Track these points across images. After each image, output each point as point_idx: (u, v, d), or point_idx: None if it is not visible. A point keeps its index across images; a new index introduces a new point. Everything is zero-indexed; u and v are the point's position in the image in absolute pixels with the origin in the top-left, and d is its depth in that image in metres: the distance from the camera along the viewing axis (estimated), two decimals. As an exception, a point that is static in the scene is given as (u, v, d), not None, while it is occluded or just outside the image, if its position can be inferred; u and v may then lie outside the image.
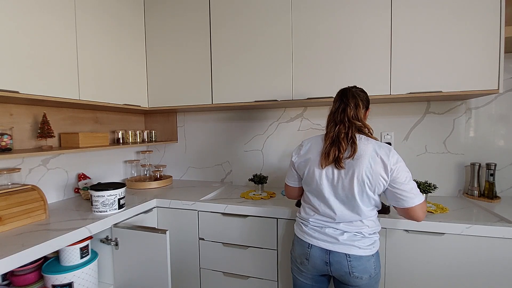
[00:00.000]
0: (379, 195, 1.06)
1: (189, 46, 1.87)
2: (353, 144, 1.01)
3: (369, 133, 1.07)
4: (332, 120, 1.09)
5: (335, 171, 1.04)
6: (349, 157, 1.01)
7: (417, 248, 1.27)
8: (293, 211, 1.42)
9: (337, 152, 1.02)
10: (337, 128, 1.05)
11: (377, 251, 1.09)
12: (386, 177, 1.00)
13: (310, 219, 1.13)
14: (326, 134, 1.09)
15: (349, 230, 1.06)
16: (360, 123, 1.06)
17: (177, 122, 2.31)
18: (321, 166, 1.06)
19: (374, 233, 1.08)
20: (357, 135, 1.04)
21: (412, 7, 1.42)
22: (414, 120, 1.74)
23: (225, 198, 1.71)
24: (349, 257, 1.03)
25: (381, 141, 1.75)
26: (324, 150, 1.06)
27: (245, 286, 1.55)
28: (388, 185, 1.02)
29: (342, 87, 1.16)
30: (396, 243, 1.29)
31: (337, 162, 1.02)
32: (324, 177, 1.06)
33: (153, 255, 1.32)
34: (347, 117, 1.05)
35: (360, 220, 1.06)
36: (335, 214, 1.06)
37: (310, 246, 1.10)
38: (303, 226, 1.15)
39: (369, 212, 1.05)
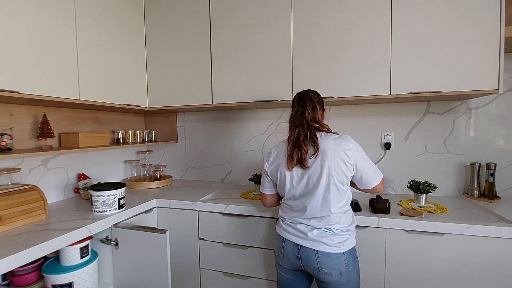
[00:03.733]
0: (348, 184, 1.11)
1: (189, 46, 1.87)
2: (314, 143, 1.08)
3: (327, 131, 1.14)
4: (292, 124, 1.17)
5: (303, 171, 1.10)
6: (313, 155, 1.07)
7: (417, 248, 1.27)
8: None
9: (299, 154, 1.09)
10: (296, 131, 1.12)
11: (351, 250, 1.10)
12: (349, 165, 1.07)
13: (285, 216, 1.19)
14: (288, 138, 1.16)
15: (319, 227, 1.09)
16: (318, 124, 1.13)
17: (177, 122, 2.31)
18: (288, 168, 1.12)
19: (347, 230, 1.10)
20: (317, 133, 1.11)
21: (412, 7, 1.42)
22: (414, 120, 1.74)
23: (225, 198, 1.71)
24: (317, 253, 1.07)
25: (380, 141, 1.78)
26: (288, 153, 1.13)
27: (245, 286, 1.55)
28: (355, 169, 1.08)
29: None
30: (396, 243, 1.29)
31: (301, 163, 1.09)
32: (295, 177, 1.12)
33: (153, 255, 1.32)
34: (305, 120, 1.12)
35: (330, 215, 1.09)
36: (306, 210, 1.11)
37: (284, 240, 1.16)
38: (280, 222, 1.23)
39: (340, 207, 1.09)
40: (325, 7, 1.56)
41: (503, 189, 1.63)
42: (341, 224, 1.09)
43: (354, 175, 1.10)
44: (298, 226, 1.13)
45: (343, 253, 1.07)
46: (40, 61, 1.28)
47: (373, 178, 1.11)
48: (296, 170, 1.12)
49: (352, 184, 1.15)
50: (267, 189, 1.28)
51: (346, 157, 1.05)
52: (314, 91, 1.22)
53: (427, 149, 1.73)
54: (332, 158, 1.05)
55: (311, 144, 1.08)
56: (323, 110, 1.21)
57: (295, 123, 1.15)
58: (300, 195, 1.13)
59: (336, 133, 1.13)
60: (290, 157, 1.11)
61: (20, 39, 1.20)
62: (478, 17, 1.34)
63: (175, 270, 1.65)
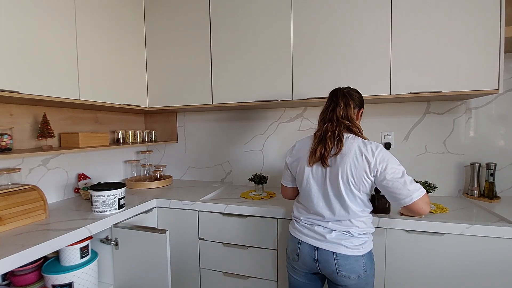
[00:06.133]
0: (368, 194, 1.07)
1: (189, 46, 1.87)
2: (339, 142, 1.04)
3: (359, 133, 1.08)
4: (321, 119, 1.13)
5: (322, 169, 1.07)
6: (334, 155, 1.03)
7: (417, 248, 1.27)
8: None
9: (323, 150, 1.05)
10: (324, 127, 1.08)
11: (369, 252, 1.08)
12: (370, 176, 1.00)
13: (301, 217, 1.16)
14: (315, 133, 1.12)
15: (337, 229, 1.07)
16: (349, 122, 1.07)
17: (177, 122, 2.31)
18: (309, 163, 1.09)
19: (364, 233, 1.08)
20: (345, 134, 1.06)
21: (412, 7, 1.42)
22: (414, 120, 1.74)
23: (225, 198, 1.71)
24: (336, 255, 1.04)
25: (380, 141, 1.78)
26: (312, 147, 1.09)
27: (245, 286, 1.55)
28: (379, 184, 1.02)
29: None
30: (396, 243, 1.29)
31: (323, 160, 1.05)
32: (313, 175, 1.09)
33: (153, 255, 1.32)
34: (335, 116, 1.08)
35: (349, 220, 1.06)
36: (324, 212, 1.08)
37: (300, 242, 1.13)
38: (295, 223, 1.19)
39: (360, 212, 1.05)
40: (325, 7, 1.56)
41: (503, 189, 1.63)
42: (360, 228, 1.06)
43: (383, 189, 1.02)
44: (315, 228, 1.10)
45: (362, 255, 1.04)
46: (40, 61, 1.28)
47: (405, 195, 0.97)
48: (316, 168, 1.08)
49: None
50: (286, 181, 1.26)
51: (367, 166, 0.99)
52: (353, 88, 1.17)
53: (427, 149, 1.73)
54: (352, 163, 1.00)
55: (336, 143, 1.04)
56: (360, 109, 1.15)
57: (324, 118, 1.11)
58: (315, 195, 1.09)
59: (366, 138, 1.07)
60: (313, 152, 1.07)
61: (20, 40, 1.20)
62: (478, 17, 1.34)
63: (175, 270, 1.65)
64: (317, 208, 1.10)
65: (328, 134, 1.06)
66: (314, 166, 1.09)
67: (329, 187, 1.05)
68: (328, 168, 1.05)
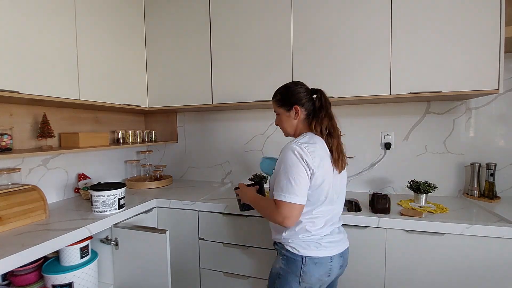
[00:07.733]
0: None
1: (189, 46, 1.87)
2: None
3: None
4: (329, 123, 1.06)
5: (339, 174, 1.07)
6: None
7: (417, 248, 1.27)
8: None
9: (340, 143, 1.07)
10: (330, 123, 1.07)
11: None
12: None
13: (322, 231, 1.00)
14: (314, 128, 1.04)
15: (340, 225, 1.13)
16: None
17: (177, 122, 2.31)
18: (338, 171, 1.03)
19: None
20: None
21: (412, 7, 1.42)
22: (414, 120, 1.74)
23: (225, 198, 1.71)
24: (348, 250, 1.10)
25: (380, 141, 1.78)
26: (332, 142, 1.02)
27: (245, 286, 1.54)
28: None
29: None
30: (396, 243, 1.29)
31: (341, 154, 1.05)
32: (334, 173, 1.02)
33: (153, 255, 1.32)
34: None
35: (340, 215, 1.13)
36: (340, 213, 1.12)
37: (331, 259, 0.99)
38: (319, 243, 0.99)
39: None
40: (325, 7, 1.56)
41: (503, 189, 1.63)
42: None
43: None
44: (337, 231, 1.07)
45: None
46: (40, 61, 1.28)
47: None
48: (335, 174, 1.03)
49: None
50: (302, 195, 0.93)
51: None
52: (282, 86, 1.20)
53: (427, 149, 1.73)
54: None
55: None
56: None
57: (333, 125, 1.08)
58: (336, 200, 1.05)
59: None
60: (337, 148, 1.01)
61: (20, 39, 1.20)
62: (478, 17, 1.34)
63: (175, 270, 1.65)
64: (336, 211, 1.07)
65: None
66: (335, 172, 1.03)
67: (339, 189, 1.08)
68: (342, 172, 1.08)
